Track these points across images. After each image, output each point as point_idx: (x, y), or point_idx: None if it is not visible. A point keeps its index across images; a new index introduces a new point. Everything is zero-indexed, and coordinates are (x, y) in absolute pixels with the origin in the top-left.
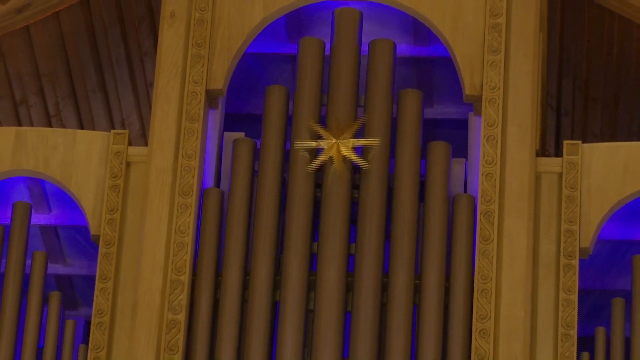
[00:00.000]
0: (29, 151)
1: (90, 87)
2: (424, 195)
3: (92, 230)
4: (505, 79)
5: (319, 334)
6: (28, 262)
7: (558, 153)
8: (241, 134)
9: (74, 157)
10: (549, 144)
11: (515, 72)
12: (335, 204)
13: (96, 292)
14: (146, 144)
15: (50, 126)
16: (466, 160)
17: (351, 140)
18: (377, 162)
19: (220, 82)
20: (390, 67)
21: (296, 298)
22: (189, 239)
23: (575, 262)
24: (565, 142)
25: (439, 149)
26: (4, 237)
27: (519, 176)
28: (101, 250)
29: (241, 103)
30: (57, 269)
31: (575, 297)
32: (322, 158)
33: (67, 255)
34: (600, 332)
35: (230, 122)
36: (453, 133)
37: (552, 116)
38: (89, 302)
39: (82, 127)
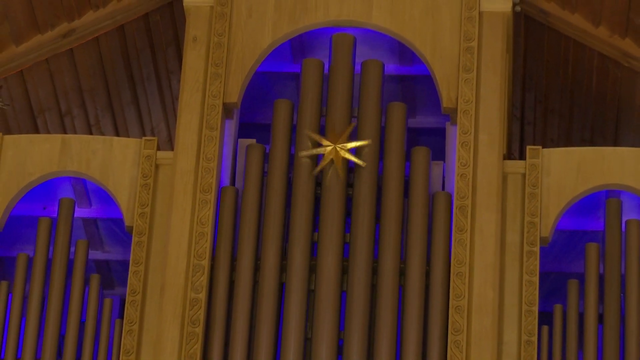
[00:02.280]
0: (73, 155)
1: (125, 100)
2: (408, 192)
3: (127, 222)
4: (477, 94)
5: (319, 311)
6: (72, 249)
7: (522, 157)
8: (253, 141)
9: (111, 160)
10: (514, 149)
11: (485, 88)
12: (332, 200)
13: (130, 275)
14: (172, 149)
15: (91, 134)
16: (444, 162)
17: (347, 144)
18: (368, 164)
19: (235, 96)
20: (379, 83)
21: (299, 280)
22: (208, 229)
23: (537, 249)
24: (527, 147)
25: (420, 153)
26: (52, 229)
27: (488, 176)
28: (134, 239)
29: (253, 114)
30: (96, 255)
31: (536, 279)
32: (324, 162)
33: (105, 244)
34: (557, 309)
35: (244, 131)
36: (433, 140)
37: (517, 125)
38: (123, 283)
39: (117, 135)
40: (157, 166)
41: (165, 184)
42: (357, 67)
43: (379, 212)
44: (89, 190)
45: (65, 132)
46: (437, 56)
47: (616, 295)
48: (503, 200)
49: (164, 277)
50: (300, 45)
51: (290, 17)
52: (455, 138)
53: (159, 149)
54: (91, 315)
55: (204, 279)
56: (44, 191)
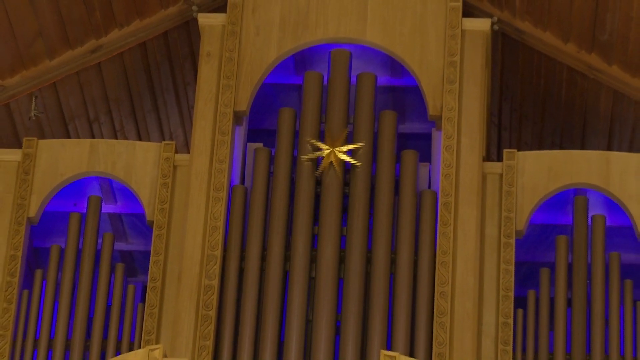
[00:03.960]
0: (100, 157)
1: (146, 109)
2: (398, 191)
3: (148, 217)
4: (459, 103)
5: (319, 296)
6: (99, 241)
7: (499, 159)
8: (260, 145)
9: (134, 161)
10: (492, 152)
11: (466, 97)
12: (331, 197)
13: (151, 264)
14: (188, 152)
15: (116, 139)
16: (430, 164)
17: (344, 147)
18: (363, 165)
19: (244, 105)
20: (373, 94)
21: (301, 268)
22: (220, 223)
23: (512, 241)
24: (504, 151)
25: (409, 156)
26: (81, 223)
27: (469, 176)
28: (155, 232)
29: (260, 121)
30: (121, 246)
31: (512, 268)
32: (324, 165)
33: (129, 236)
34: (531, 294)
35: (252, 136)
36: (420, 144)
37: (495, 131)
38: (145, 271)
39: (140, 139)
40: (175, 167)
41: (182, 183)
42: (353, 79)
43: (372, 208)
44: (114, 188)
45: (93, 137)
46: (423, 69)
47: (583, 282)
48: (482, 197)
49: (181, 266)
50: (302, 60)
51: (293, 35)
52: (440, 142)
53: (176, 152)
54: (116, 300)
55: (216, 268)
56: (74, 189)
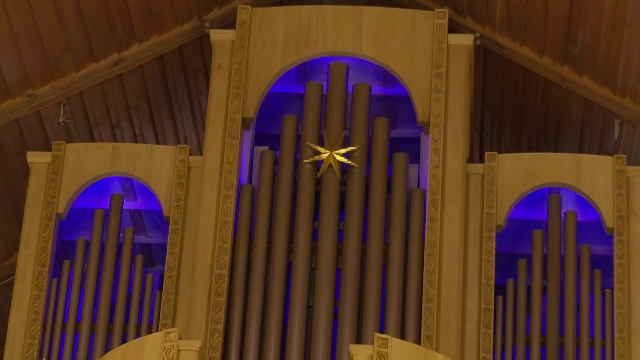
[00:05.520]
0: (122, 159)
1: (163, 115)
2: (390, 189)
3: (165, 213)
4: (445, 110)
5: (319, 284)
6: (121, 235)
7: (481, 160)
8: (265, 148)
9: (152, 163)
10: (475, 154)
11: (452, 105)
12: (329, 195)
13: (167, 255)
14: (201, 154)
15: (136, 142)
16: (419, 165)
17: (341, 150)
18: (358, 166)
19: (251, 112)
20: (367, 102)
21: (303, 259)
22: (230, 219)
23: (493, 235)
24: (486, 153)
25: (400, 158)
26: (105, 218)
27: (454, 176)
28: (171, 226)
29: (266, 126)
30: (140, 239)
31: (493, 259)
32: (324, 167)
33: (148, 230)
34: (510, 283)
35: (258, 140)
36: (410, 147)
37: (477, 135)
38: (162, 261)
39: (158, 143)
40: (189, 168)
41: (196, 182)
42: (350, 89)
43: (367, 205)
44: (134, 187)
45: (115, 141)
46: (413, 80)
47: (557, 271)
48: (466, 195)
49: (195, 257)
50: (303, 71)
51: (296, 49)
52: (428, 146)
53: (190, 154)
54: (136, 288)
55: (226, 259)
56: (98, 188)
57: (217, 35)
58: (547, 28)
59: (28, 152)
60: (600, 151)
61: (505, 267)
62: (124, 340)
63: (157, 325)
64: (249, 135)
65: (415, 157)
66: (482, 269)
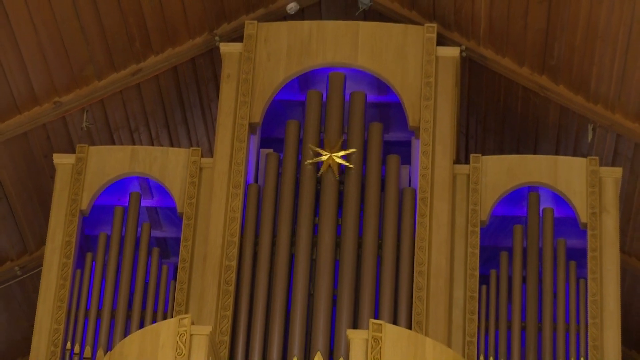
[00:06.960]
0: (139, 160)
1: (177, 121)
2: (384, 188)
3: (179, 209)
4: (434, 116)
5: (319, 274)
6: (139, 229)
7: (467, 162)
8: (270, 150)
9: (167, 164)
10: (461, 156)
11: (440, 112)
12: (329, 193)
13: (181, 248)
14: (212, 156)
15: (153, 145)
16: (410, 166)
17: (339, 152)
18: (355, 167)
19: (257, 117)
20: (363, 109)
21: (305, 252)
22: (238, 215)
23: (477, 230)
24: (471, 155)
25: (393, 160)
26: (124, 214)
27: (442, 176)
28: (184, 221)
29: (271, 131)
30: (156, 233)
31: (477, 251)
32: (324, 167)
33: (163, 225)
34: (493, 273)
35: (264, 143)
36: (402, 149)
37: (463, 139)
38: (176, 254)
39: (172, 146)
40: (201, 169)
41: (207, 182)
42: (347, 97)
43: (362, 202)
44: (151, 186)
45: (134, 144)
46: (405, 88)
47: (535, 263)
48: (453, 194)
49: (206, 250)
50: (305, 81)
51: (298, 60)
52: (418, 148)
53: (202, 156)
54: (153, 278)
55: (235, 251)
56: (118, 187)
57: (227, 48)
58: (526, 41)
59: (54, 154)
60: (575, 153)
61: (489, 259)
62: (141, 325)
63: (171, 312)
64: (255, 139)
65: (406, 159)
66: (468, 261)
